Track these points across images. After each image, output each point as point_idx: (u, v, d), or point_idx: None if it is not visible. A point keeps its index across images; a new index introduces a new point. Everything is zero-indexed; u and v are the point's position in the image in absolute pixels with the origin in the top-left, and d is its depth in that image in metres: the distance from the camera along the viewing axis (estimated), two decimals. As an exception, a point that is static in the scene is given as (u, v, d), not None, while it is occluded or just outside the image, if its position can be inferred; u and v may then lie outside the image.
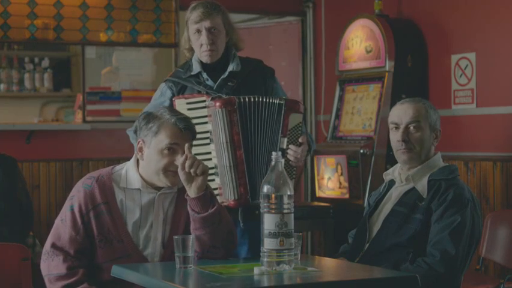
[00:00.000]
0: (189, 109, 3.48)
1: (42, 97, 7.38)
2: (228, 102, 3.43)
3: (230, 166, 3.43)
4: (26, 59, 7.22)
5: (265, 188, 2.60)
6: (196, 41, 3.57)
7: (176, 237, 2.77)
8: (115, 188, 3.00)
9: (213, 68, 3.61)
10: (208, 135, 3.47)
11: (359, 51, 5.71)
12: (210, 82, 3.58)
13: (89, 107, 6.04)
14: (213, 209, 2.92)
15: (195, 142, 3.12)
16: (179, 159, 2.89)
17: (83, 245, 2.96)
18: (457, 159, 5.22)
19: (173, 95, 3.62)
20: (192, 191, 2.90)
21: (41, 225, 5.74)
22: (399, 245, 3.06)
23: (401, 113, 3.20)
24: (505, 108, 5.03)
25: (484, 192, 5.08)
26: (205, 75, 3.59)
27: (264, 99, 3.47)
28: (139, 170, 3.00)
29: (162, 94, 3.66)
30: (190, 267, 2.75)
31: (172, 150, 2.91)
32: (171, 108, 3.04)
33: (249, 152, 3.46)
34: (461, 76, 5.32)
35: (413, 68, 5.57)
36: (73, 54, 7.40)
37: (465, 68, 5.29)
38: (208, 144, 3.48)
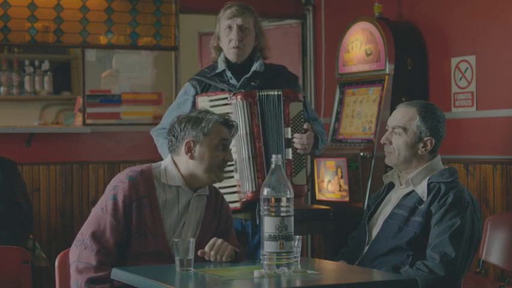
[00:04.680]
0: (211, 106, 3.58)
1: (42, 100, 7.39)
2: (249, 95, 3.56)
3: (249, 158, 3.53)
4: (26, 62, 7.24)
5: (265, 191, 2.61)
6: (226, 37, 3.66)
7: (176, 240, 2.78)
8: (156, 184, 3.06)
9: (237, 68, 3.68)
10: None
11: (359, 54, 5.72)
12: (233, 81, 3.66)
13: (89, 110, 6.04)
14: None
15: None
16: (229, 154, 3.10)
17: (122, 236, 2.97)
18: (457, 162, 5.22)
19: (196, 93, 3.70)
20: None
21: (41, 228, 5.74)
22: (399, 247, 3.06)
23: (393, 115, 3.23)
24: (505, 111, 5.03)
25: (484, 195, 5.08)
26: (229, 73, 3.67)
27: (276, 93, 3.57)
28: (180, 169, 3.08)
29: (186, 92, 3.75)
30: (190, 270, 2.75)
31: (224, 146, 3.08)
32: (203, 110, 3.17)
33: (266, 144, 3.55)
34: (461, 79, 5.32)
35: (413, 71, 5.57)
36: (73, 57, 7.41)
37: (465, 71, 5.29)
38: None
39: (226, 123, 3.10)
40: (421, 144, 3.18)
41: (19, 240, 4.19)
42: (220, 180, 3.12)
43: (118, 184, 3.03)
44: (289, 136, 3.55)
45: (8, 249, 3.55)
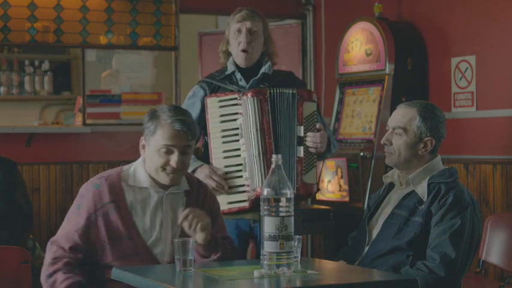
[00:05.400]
0: (221, 106, 3.61)
1: (42, 100, 7.39)
2: (260, 92, 3.59)
3: (259, 154, 3.55)
4: (26, 62, 7.24)
5: (266, 191, 2.60)
6: (235, 40, 3.70)
7: (176, 240, 2.78)
8: (124, 187, 3.04)
9: (246, 71, 3.71)
10: (237, 131, 3.58)
11: (359, 54, 5.72)
12: (242, 82, 3.70)
13: (89, 110, 6.04)
14: (216, 256, 3.00)
15: (225, 139, 3.44)
16: (173, 159, 2.97)
17: (80, 244, 2.96)
18: (457, 162, 5.22)
19: (205, 95, 3.71)
20: (197, 239, 2.95)
21: (41, 228, 5.74)
22: (399, 248, 3.06)
23: (393, 116, 3.23)
24: (505, 111, 5.03)
25: (483, 195, 5.08)
26: (238, 75, 3.71)
27: (286, 91, 3.61)
28: (147, 170, 3.05)
29: (194, 94, 3.76)
30: (190, 270, 2.75)
31: (168, 150, 2.97)
32: (174, 107, 3.08)
33: (277, 141, 3.57)
34: (461, 79, 5.32)
35: (413, 71, 5.57)
36: (73, 57, 7.41)
37: (465, 71, 5.29)
38: (237, 141, 3.59)
39: (174, 126, 2.96)
40: (421, 145, 3.18)
41: (19, 240, 4.19)
42: (172, 183, 3.04)
43: (85, 193, 3.03)
44: (302, 134, 3.59)
45: (8, 249, 3.55)
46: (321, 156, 3.68)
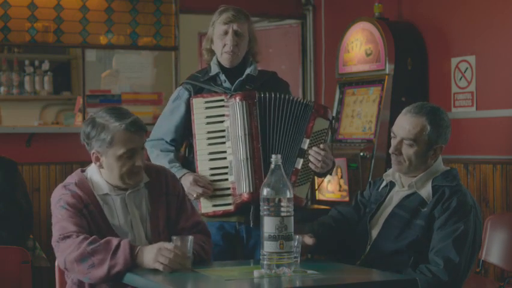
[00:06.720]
0: (207, 107, 3.54)
1: (42, 100, 7.38)
2: (248, 96, 3.51)
3: (247, 159, 3.47)
4: (26, 62, 7.23)
5: (265, 191, 2.61)
6: (220, 41, 3.61)
7: (174, 237, 2.77)
8: (93, 192, 3.00)
9: (230, 72, 3.65)
10: (223, 133, 3.52)
11: (359, 54, 5.72)
12: (227, 84, 3.62)
13: (89, 110, 6.04)
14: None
15: (210, 141, 3.45)
16: (138, 160, 2.95)
17: (82, 224, 2.89)
18: (457, 162, 5.22)
19: (190, 97, 3.63)
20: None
21: (41, 228, 5.74)
22: (400, 251, 3.04)
23: (401, 124, 3.14)
24: (505, 111, 5.03)
25: (483, 195, 5.08)
26: (223, 76, 3.63)
27: (286, 97, 3.54)
28: (103, 176, 3.02)
29: (179, 96, 3.68)
30: (190, 270, 2.75)
31: (131, 154, 2.95)
32: (112, 111, 3.01)
33: (266, 146, 3.50)
34: (461, 79, 5.32)
35: (413, 71, 5.57)
36: (73, 57, 7.41)
37: (465, 71, 5.29)
38: (224, 143, 3.52)
39: (130, 129, 2.94)
40: (431, 152, 3.15)
41: (19, 240, 4.19)
42: (139, 183, 3.02)
43: (62, 196, 2.97)
44: (305, 147, 3.50)
45: (8, 249, 3.55)
46: (320, 175, 3.60)
